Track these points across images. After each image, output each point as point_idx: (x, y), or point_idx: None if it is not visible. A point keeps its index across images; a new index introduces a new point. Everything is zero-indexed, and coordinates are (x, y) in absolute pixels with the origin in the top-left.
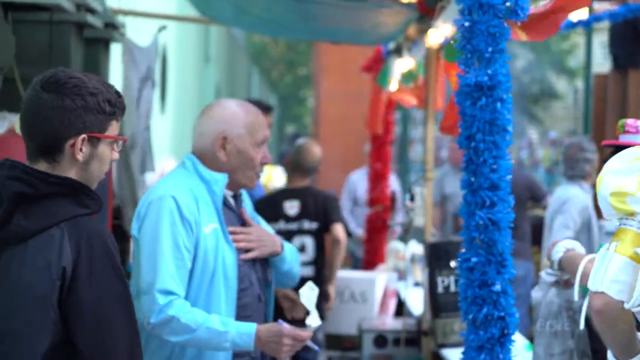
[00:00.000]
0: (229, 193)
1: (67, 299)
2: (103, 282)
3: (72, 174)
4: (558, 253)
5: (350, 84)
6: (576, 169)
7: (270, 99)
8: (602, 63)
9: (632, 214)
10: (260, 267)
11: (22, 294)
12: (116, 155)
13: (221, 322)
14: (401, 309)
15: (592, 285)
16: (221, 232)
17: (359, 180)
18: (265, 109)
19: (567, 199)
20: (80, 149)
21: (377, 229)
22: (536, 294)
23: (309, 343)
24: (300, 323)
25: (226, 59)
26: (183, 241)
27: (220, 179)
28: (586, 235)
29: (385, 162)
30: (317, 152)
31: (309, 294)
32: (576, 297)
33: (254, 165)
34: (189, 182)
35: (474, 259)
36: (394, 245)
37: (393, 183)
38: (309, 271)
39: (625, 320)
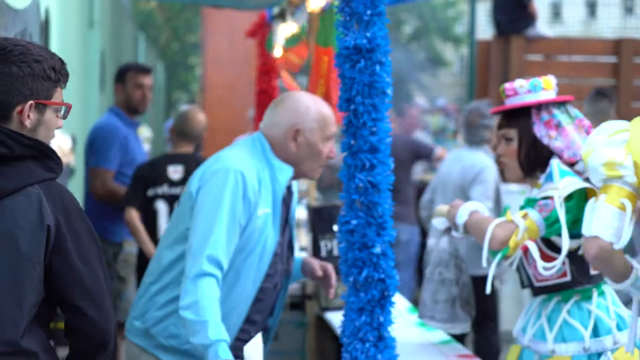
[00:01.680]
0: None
1: (54, 258)
2: (84, 243)
3: None
4: (463, 217)
5: (236, 50)
6: (477, 135)
7: (157, 66)
8: (487, 30)
9: (620, 177)
10: (286, 258)
11: (8, 250)
12: (60, 123)
13: (216, 332)
14: None
15: (586, 232)
16: (271, 218)
17: None
18: (144, 70)
19: (482, 168)
20: (28, 116)
21: None
22: (430, 241)
23: None
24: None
25: (111, 24)
26: (240, 216)
27: (287, 170)
28: (495, 198)
29: None
30: (202, 119)
31: (255, 349)
32: (484, 262)
33: (320, 158)
34: (255, 162)
35: (353, 222)
36: None
37: None
38: None
39: (617, 257)
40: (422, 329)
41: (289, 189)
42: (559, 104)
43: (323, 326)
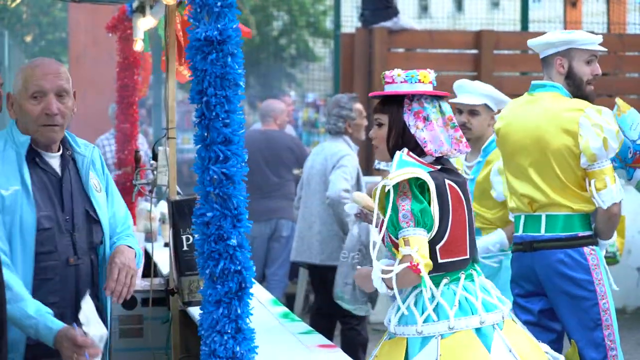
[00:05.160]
0: (50, 154)
1: None
2: None
3: None
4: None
5: (99, 46)
6: (330, 123)
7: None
8: (358, 24)
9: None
10: (83, 232)
11: None
12: None
13: (36, 308)
14: (150, 270)
15: (615, 199)
16: (24, 194)
17: (107, 144)
18: None
19: (343, 156)
20: None
21: (126, 191)
22: (351, 227)
23: (86, 354)
24: None
25: None
26: None
27: (24, 141)
28: (356, 189)
29: (133, 123)
30: None
31: (88, 306)
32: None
33: (32, 118)
34: (2, 142)
35: (209, 214)
36: (143, 206)
37: (144, 143)
38: None
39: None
40: (283, 320)
41: (63, 157)
42: (432, 98)
43: (187, 321)
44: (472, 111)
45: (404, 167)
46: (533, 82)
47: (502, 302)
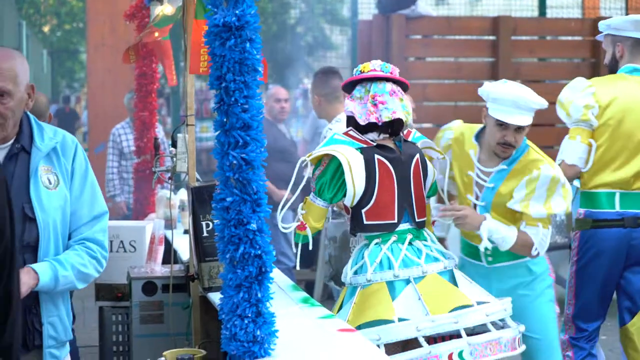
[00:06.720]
0: None
1: None
2: None
3: None
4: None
5: (117, 34)
6: None
7: (42, 54)
8: (374, 12)
9: (587, 120)
10: (17, 231)
11: None
12: None
13: None
14: (171, 257)
15: (566, 160)
16: None
17: (122, 132)
18: None
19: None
20: None
21: (145, 178)
22: None
23: None
24: None
25: None
26: None
27: None
28: None
29: (151, 111)
30: (43, 100)
31: None
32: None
33: None
34: None
35: (229, 199)
36: (163, 193)
37: (160, 132)
38: None
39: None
40: (303, 305)
41: (10, 150)
42: (366, 80)
43: (207, 307)
44: (520, 128)
45: (328, 145)
46: (627, 64)
47: (441, 259)
